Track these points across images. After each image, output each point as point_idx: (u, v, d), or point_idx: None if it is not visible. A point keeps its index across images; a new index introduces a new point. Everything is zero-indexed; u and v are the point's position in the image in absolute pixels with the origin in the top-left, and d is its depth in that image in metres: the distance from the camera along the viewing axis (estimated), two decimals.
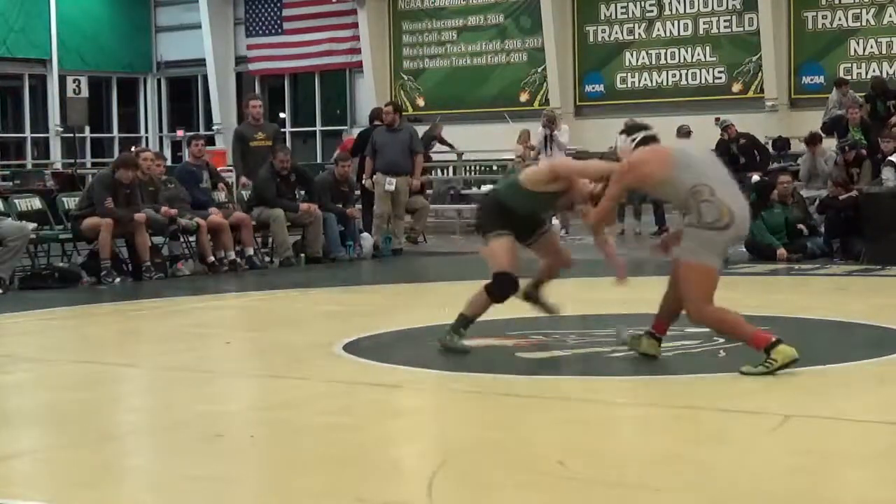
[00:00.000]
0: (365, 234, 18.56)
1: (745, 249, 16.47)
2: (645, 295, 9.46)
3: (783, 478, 5.66)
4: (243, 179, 18.23)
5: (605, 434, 6.89)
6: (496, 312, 11.48)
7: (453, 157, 29.02)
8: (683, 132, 21.21)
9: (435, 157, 28.50)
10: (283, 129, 36.56)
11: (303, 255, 17.38)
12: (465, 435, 6.69)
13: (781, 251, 16.19)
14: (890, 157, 16.99)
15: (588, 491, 5.57)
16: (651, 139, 8.58)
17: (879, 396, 7.60)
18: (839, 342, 9.62)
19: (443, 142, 28.38)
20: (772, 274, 14.63)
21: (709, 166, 8.45)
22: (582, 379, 8.42)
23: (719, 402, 7.42)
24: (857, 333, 9.88)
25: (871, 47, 28.82)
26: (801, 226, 16.59)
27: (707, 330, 9.12)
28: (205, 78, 37.08)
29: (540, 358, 8.95)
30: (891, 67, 28.47)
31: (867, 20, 28.94)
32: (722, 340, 9.34)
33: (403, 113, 30.70)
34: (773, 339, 8.06)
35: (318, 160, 32.64)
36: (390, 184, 18.48)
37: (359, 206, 19.26)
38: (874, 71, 28.08)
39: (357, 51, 34.74)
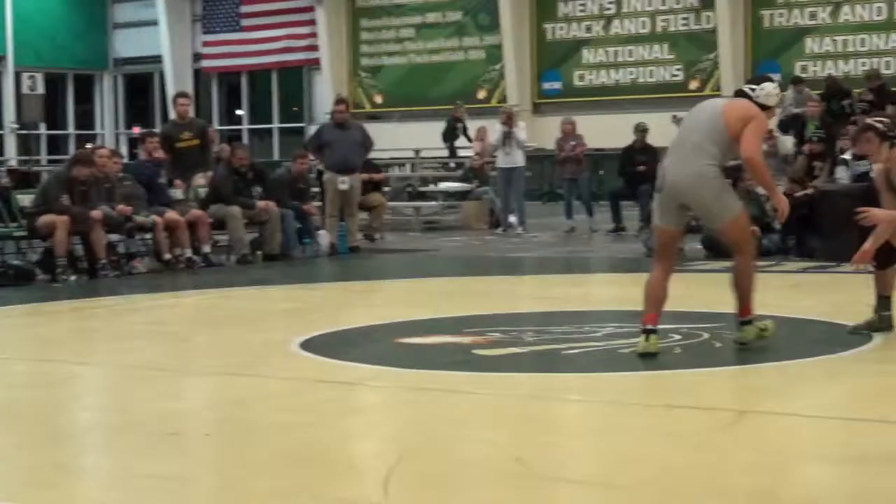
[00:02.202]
0: (322, 232, 18.53)
1: (701, 246, 16.53)
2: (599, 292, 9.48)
3: (739, 474, 5.69)
4: (177, 182, 17.12)
5: (563, 431, 6.90)
6: (453, 310, 11.51)
7: (410, 154, 29.00)
8: (640, 129, 21.26)
9: (391, 154, 28.48)
10: (240, 127, 36.57)
11: (260, 252, 17.34)
12: (421, 432, 6.69)
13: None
14: (843, 156, 17.09)
15: (545, 488, 5.58)
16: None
17: (833, 393, 7.64)
18: (793, 339, 9.66)
19: (459, 122, 28.05)
20: (727, 271, 14.64)
21: (681, 129, 9.04)
22: (539, 376, 8.43)
23: (675, 398, 7.45)
24: (811, 330, 9.94)
25: (827, 45, 29.02)
26: (755, 228, 16.58)
27: (664, 327, 9.17)
28: (161, 75, 36.96)
29: (497, 355, 8.95)
30: (846, 65, 28.66)
31: (823, 18, 29.13)
32: (679, 337, 9.39)
33: (362, 110, 30.78)
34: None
35: (276, 157, 32.57)
36: (343, 182, 18.44)
37: (317, 203, 19.22)
38: (830, 69, 28.26)
39: (315, 48, 34.71)
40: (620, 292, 12.29)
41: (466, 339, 9.62)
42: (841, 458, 5.99)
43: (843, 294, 12.35)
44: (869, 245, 9.06)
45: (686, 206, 8.84)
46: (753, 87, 8.98)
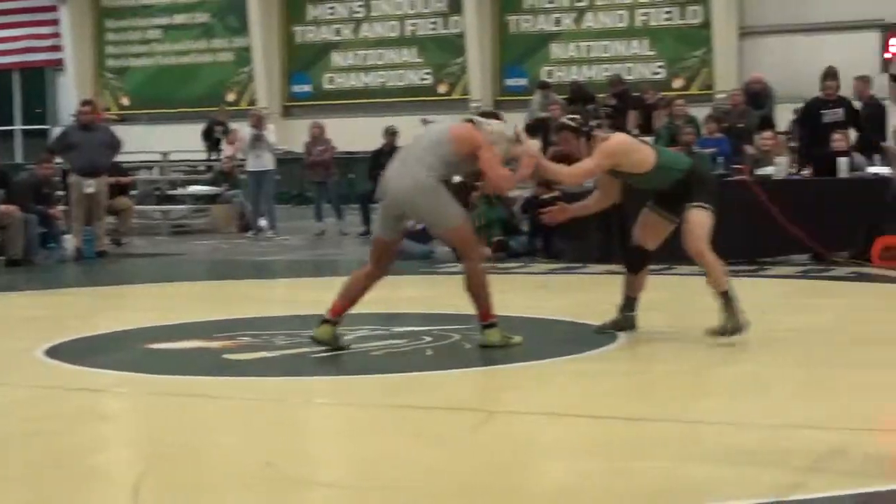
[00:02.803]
0: (67, 236, 18.14)
1: (450, 249, 16.70)
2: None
3: (489, 473, 5.77)
4: None
5: (314, 434, 6.90)
6: (202, 314, 11.40)
7: (158, 157, 28.59)
8: (390, 132, 21.39)
9: (139, 157, 28.05)
10: None
11: (2, 257, 16.88)
12: (171, 438, 6.61)
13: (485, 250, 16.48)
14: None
15: (298, 491, 5.57)
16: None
17: (579, 391, 7.81)
18: (540, 339, 9.84)
19: (220, 125, 27.58)
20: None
21: (408, 145, 9.28)
22: (290, 380, 8.40)
23: (425, 399, 7.52)
24: (558, 330, 10.14)
25: (572, 51, 29.64)
26: (498, 238, 16.78)
27: (415, 329, 9.25)
28: None
29: (247, 359, 8.90)
30: (590, 71, 29.33)
31: (568, 25, 29.75)
32: (430, 339, 9.47)
33: (108, 112, 30.19)
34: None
35: (19, 160, 31.72)
36: (89, 185, 18.08)
37: (62, 206, 18.80)
38: (575, 74, 28.89)
39: (58, 48, 33.94)
40: (371, 294, 12.31)
41: (216, 344, 9.54)
42: (588, 455, 6.13)
43: (589, 293, 12.66)
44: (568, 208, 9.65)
45: (405, 215, 9.09)
46: (481, 119, 9.19)
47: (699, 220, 9.31)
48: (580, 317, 10.50)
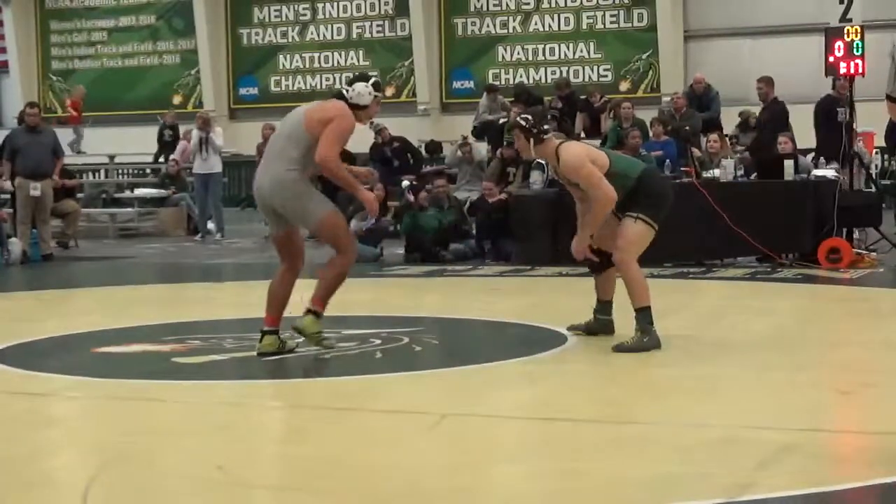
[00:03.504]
0: (13, 239, 17.99)
1: (403, 252, 16.72)
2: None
3: (441, 475, 5.76)
4: None
5: (264, 438, 6.86)
6: (151, 318, 11.33)
7: (105, 160, 28.42)
8: None
9: (85, 160, 27.89)
10: None
11: None
12: (120, 443, 6.55)
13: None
14: (539, 160, 17.47)
15: (247, 495, 5.54)
16: None
17: (530, 393, 7.81)
18: (491, 342, 9.85)
19: (171, 129, 27.36)
20: (426, 276, 14.88)
21: (272, 135, 9.22)
22: (239, 383, 8.37)
23: (376, 402, 7.50)
24: (508, 333, 10.14)
25: (518, 54, 29.72)
26: (443, 252, 16.74)
27: (364, 331, 9.23)
28: None
29: (197, 362, 8.85)
30: (537, 73, 29.41)
31: (514, 28, 29.81)
32: (379, 342, 9.45)
33: (53, 115, 29.97)
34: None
35: None
36: (35, 188, 17.95)
37: (8, 209, 18.66)
38: (521, 76, 28.97)
39: (2, 50, 33.68)
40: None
41: (166, 347, 9.48)
42: (538, 456, 6.13)
43: (538, 296, 12.67)
44: (579, 240, 9.38)
45: (277, 211, 8.95)
46: (347, 87, 9.12)
47: (630, 230, 9.21)
48: (531, 319, 10.50)
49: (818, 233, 14.97)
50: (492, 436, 6.60)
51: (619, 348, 9.01)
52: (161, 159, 26.92)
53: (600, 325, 9.63)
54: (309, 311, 8.94)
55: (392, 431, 6.71)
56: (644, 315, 9.10)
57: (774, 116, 18.29)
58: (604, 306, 9.66)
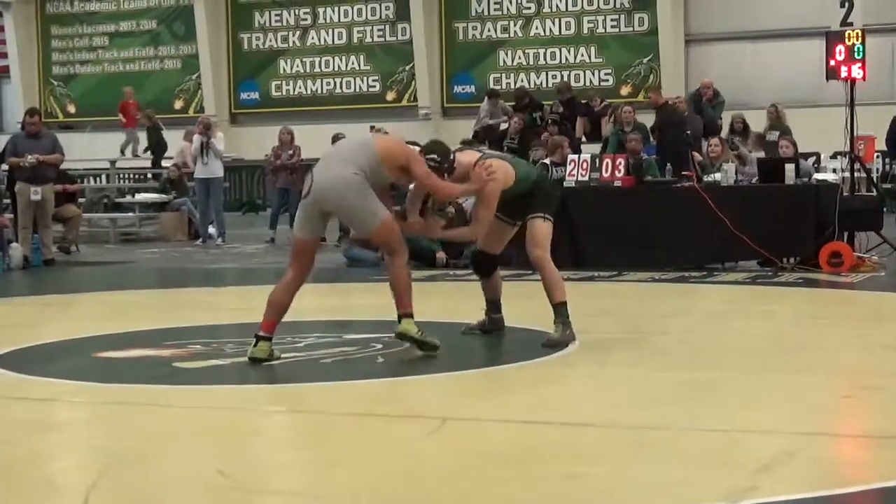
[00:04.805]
0: (15, 245, 18.00)
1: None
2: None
3: (443, 480, 5.75)
4: None
5: (266, 443, 6.86)
6: (152, 323, 11.33)
7: (105, 164, 28.44)
8: (338, 140, 21.31)
9: (86, 165, 27.91)
10: None
11: None
12: (121, 448, 6.55)
13: (440, 254, 16.47)
14: (543, 161, 17.49)
15: (251, 500, 5.54)
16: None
17: (531, 398, 7.80)
18: (494, 345, 9.85)
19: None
20: (429, 280, 14.87)
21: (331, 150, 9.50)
22: (241, 388, 8.36)
23: (378, 407, 7.49)
24: (511, 337, 10.13)
25: (519, 58, 29.73)
26: (452, 260, 16.71)
27: (366, 336, 9.23)
28: None
29: (198, 367, 8.85)
30: (538, 78, 29.42)
31: (515, 32, 29.84)
32: (380, 346, 9.45)
33: (55, 120, 30.00)
34: None
35: None
36: (35, 193, 17.95)
37: (9, 215, 18.66)
38: (522, 81, 28.97)
39: (3, 55, 33.70)
40: (321, 302, 12.32)
41: (166, 352, 9.47)
42: (539, 461, 6.12)
43: (540, 300, 12.64)
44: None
45: (329, 212, 9.02)
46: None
47: (541, 230, 9.66)
48: (531, 323, 10.48)
49: (820, 236, 14.96)
50: (493, 440, 6.59)
51: (549, 343, 9.34)
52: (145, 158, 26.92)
53: (493, 324, 10.10)
54: (402, 317, 8.98)
55: (394, 436, 6.70)
56: (563, 309, 9.52)
57: (669, 120, 18.67)
58: (494, 305, 10.12)
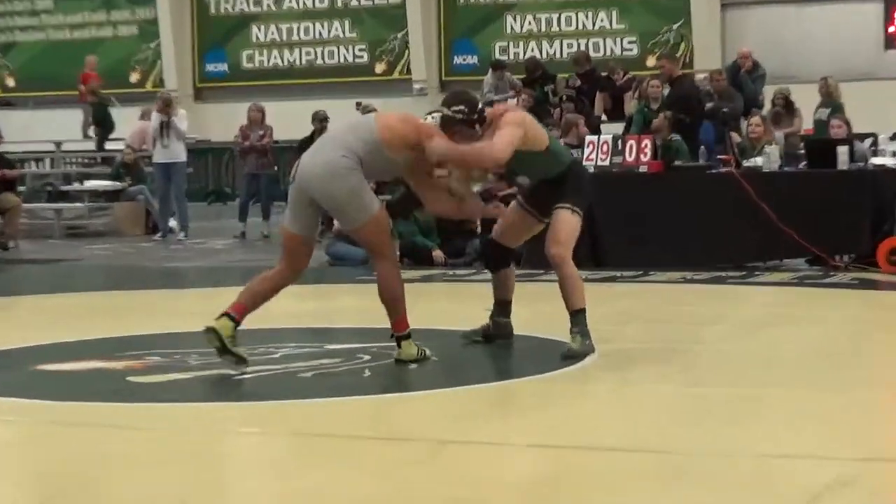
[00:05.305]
0: None
1: (398, 253, 16.67)
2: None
3: None
4: None
5: (235, 469, 6.86)
6: (103, 330, 11.32)
7: (50, 147, 28.43)
8: (319, 118, 21.32)
9: (26, 147, 27.90)
10: None
11: None
12: (70, 473, 6.54)
13: (437, 253, 16.48)
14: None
15: None
16: None
17: (541, 418, 7.80)
18: (499, 356, 9.84)
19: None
20: (425, 280, 14.87)
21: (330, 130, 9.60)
22: (206, 406, 8.36)
23: (365, 428, 7.49)
24: (516, 346, 10.12)
25: (529, 24, 29.69)
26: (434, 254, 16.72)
27: (351, 346, 9.23)
28: None
29: (156, 382, 8.84)
30: (550, 47, 29.40)
31: None
32: (368, 358, 9.44)
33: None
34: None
35: None
36: None
37: None
38: (533, 50, 28.95)
39: None
40: (299, 307, 12.30)
41: (120, 365, 9.47)
42: (551, 489, 6.11)
43: (551, 303, 12.61)
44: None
45: (315, 202, 9.05)
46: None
47: (569, 224, 9.44)
48: (543, 331, 10.48)
49: (877, 231, 14.95)
50: (497, 468, 6.59)
51: (569, 354, 9.24)
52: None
53: (498, 329, 9.93)
54: (400, 339, 9.09)
55: (383, 461, 6.70)
56: (582, 317, 9.38)
57: (684, 95, 18.58)
58: (504, 307, 9.95)
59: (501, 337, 9.95)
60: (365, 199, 8.94)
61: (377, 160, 8.93)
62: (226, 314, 9.01)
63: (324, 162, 8.89)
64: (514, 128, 9.18)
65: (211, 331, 8.96)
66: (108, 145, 27.43)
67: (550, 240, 9.46)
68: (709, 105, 20.21)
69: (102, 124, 27.44)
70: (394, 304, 9.05)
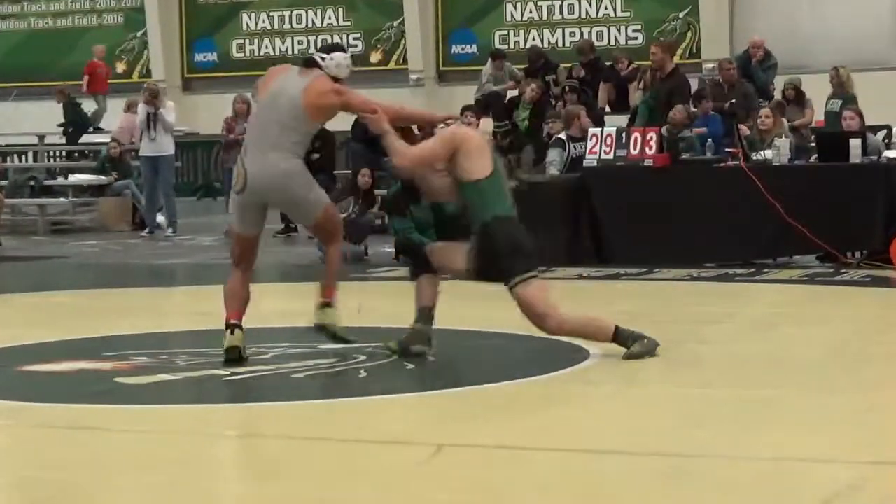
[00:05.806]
0: None
1: (393, 249, 16.69)
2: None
3: None
4: None
5: (225, 474, 6.87)
6: (89, 330, 11.34)
7: (33, 140, 28.41)
8: None
9: (8, 140, 27.89)
10: None
11: None
12: (57, 478, 6.55)
13: None
14: (559, 136, 17.36)
15: None
16: None
17: (544, 419, 7.82)
18: (500, 357, 9.84)
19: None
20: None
21: (260, 118, 9.64)
22: (196, 408, 8.38)
23: (361, 430, 7.50)
24: (518, 347, 10.12)
25: (531, 12, 29.65)
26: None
27: (344, 347, 9.27)
28: None
29: (144, 383, 8.86)
30: (552, 36, 29.37)
31: None
32: (363, 358, 9.46)
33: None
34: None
35: None
36: None
37: None
38: (534, 39, 28.91)
39: None
40: (291, 306, 12.31)
41: (107, 365, 9.49)
42: (553, 495, 6.14)
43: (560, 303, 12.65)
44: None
45: (268, 205, 9.55)
46: (324, 55, 9.55)
47: (534, 296, 9.11)
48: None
49: (891, 226, 14.95)
50: (497, 471, 6.61)
51: (633, 355, 9.21)
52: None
53: (415, 337, 9.53)
54: (325, 305, 9.49)
55: (379, 466, 6.71)
56: (622, 334, 9.23)
57: (676, 88, 18.51)
58: (421, 313, 9.55)
59: (419, 345, 9.50)
60: (317, 195, 9.47)
61: (308, 135, 9.45)
62: (236, 325, 9.28)
63: (279, 173, 9.23)
64: (436, 141, 9.37)
65: (234, 351, 9.24)
66: (94, 138, 27.41)
67: (534, 320, 9.17)
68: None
69: (74, 124, 27.45)
70: (331, 280, 9.54)
